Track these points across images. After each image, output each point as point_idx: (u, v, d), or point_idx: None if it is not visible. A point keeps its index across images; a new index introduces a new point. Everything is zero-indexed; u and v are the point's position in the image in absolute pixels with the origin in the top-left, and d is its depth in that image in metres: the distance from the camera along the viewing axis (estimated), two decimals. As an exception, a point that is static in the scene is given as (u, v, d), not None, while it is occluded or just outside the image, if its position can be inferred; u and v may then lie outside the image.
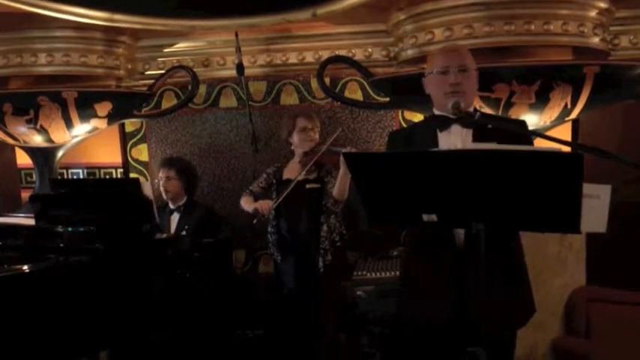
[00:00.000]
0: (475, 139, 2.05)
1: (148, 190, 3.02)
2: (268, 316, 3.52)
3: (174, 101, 4.13)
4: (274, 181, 3.37)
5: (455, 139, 2.10)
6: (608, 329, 3.12)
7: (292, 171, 3.29)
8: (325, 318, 3.24)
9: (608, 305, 3.19)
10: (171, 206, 3.66)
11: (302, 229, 3.23)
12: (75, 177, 4.42)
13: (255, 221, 3.14)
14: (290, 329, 3.32)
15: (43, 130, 3.74)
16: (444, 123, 2.13)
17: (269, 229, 3.36)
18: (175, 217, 3.64)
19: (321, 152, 3.06)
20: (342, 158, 2.82)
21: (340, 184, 3.03)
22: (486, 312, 1.86)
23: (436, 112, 2.21)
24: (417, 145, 2.16)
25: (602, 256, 3.23)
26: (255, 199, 3.34)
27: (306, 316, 3.24)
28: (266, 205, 3.15)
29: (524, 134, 2.08)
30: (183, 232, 3.49)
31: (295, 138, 3.28)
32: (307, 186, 3.20)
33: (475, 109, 2.20)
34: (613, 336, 3.08)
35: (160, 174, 3.68)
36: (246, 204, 3.31)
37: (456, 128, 2.11)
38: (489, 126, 2.05)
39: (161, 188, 3.63)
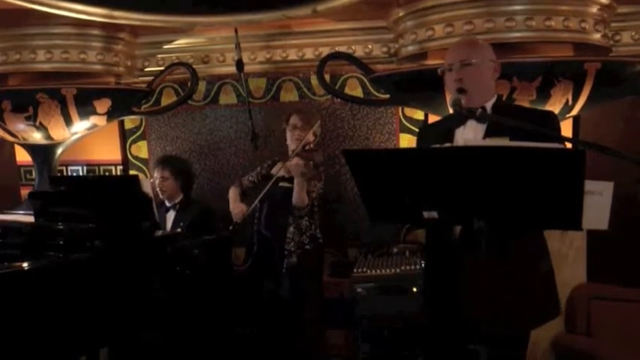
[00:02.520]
0: (489, 134, 2.02)
1: (147, 187, 3.01)
2: (258, 313, 3.52)
3: (174, 98, 4.12)
4: (261, 177, 3.39)
5: (468, 134, 2.07)
6: (609, 326, 3.12)
7: (278, 168, 3.30)
8: (302, 316, 3.25)
9: (609, 302, 3.19)
10: (167, 204, 3.66)
11: (274, 228, 3.24)
12: (74, 174, 4.41)
13: (230, 227, 3.23)
14: (272, 326, 3.33)
15: (42, 127, 3.73)
16: (461, 118, 2.11)
17: (254, 220, 3.36)
18: (171, 215, 3.63)
19: (292, 157, 3.07)
20: (292, 169, 2.97)
21: (297, 193, 3.07)
22: (488, 310, 1.86)
23: None
24: (433, 140, 2.13)
25: (602, 253, 3.23)
26: (243, 192, 3.38)
27: (281, 313, 3.26)
28: (238, 212, 3.22)
29: (540, 129, 2.01)
30: (178, 230, 3.48)
31: (287, 135, 3.29)
32: (280, 184, 3.19)
33: (499, 97, 2.17)
34: (614, 333, 3.08)
35: (155, 174, 3.67)
36: (230, 198, 3.35)
37: (471, 123, 2.08)
38: (497, 120, 2.01)
39: (157, 188, 3.62)
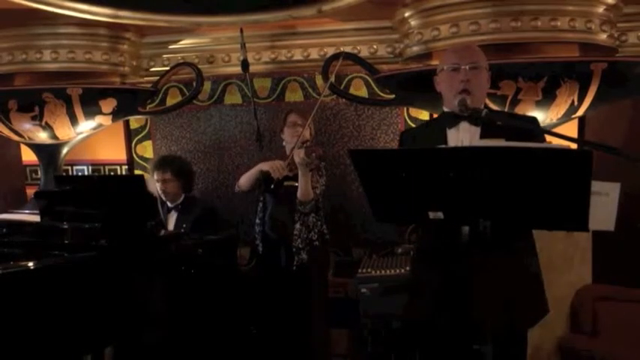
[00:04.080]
0: (483, 137, 2.03)
1: (152, 186, 3.01)
2: (262, 312, 3.52)
3: (179, 98, 4.13)
4: (261, 176, 3.37)
5: (463, 136, 2.09)
6: (615, 327, 3.12)
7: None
8: (308, 314, 3.24)
9: (615, 303, 3.19)
10: (169, 205, 3.62)
11: (280, 226, 3.23)
12: (79, 173, 4.43)
13: (272, 186, 3.12)
14: (278, 325, 3.32)
15: (47, 127, 3.74)
16: (453, 120, 2.12)
17: (256, 220, 3.36)
18: (173, 216, 3.60)
19: (290, 152, 3.06)
20: (296, 159, 2.95)
21: (301, 186, 3.07)
22: (491, 310, 1.86)
23: (445, 109, 2.21)
24: (425, 142, 2.14)
25: (608, 254, 3.22)
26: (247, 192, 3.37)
27: (288, 312, 3.25)
28: (279, 165, 3.10)
29: (533, 132, 2.04)
30: (182, 230, 3.48)
31: (286, 133, 3.30)
32: (285, 183, 3.18)
33: (486, 107, 2.19)
34: (619, 334, 3.08)
35: (156, 176, 3.60)
36: (251, 171, 3.28)
37: (464, 125, 2.10)
38: (498, 123, 2.03)
39: (159, 190, 3.57)
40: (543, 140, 2.01)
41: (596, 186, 1.53)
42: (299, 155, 2.97)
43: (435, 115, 3.63)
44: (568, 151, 1.55)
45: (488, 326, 1.83)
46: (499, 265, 1.81)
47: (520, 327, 2.11)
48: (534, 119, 2.22)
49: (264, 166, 3.20)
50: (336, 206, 3.82)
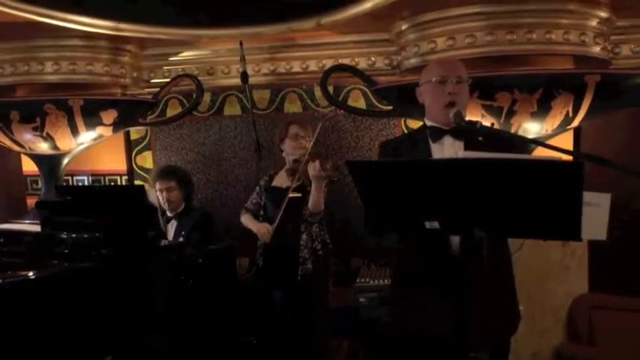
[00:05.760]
0: (467, 150, 2.07)
1: (152, 197, 3.03)
2: (262, 322, 3.54)
3: (179, 109, 4.17)
4: (263, 190, 3.40)
5: (447, 150, 2.13)
6: (611, 336, 3.13)
7: (281, 179, 3.32)
8: (310, 324, 3.25)
9: (611, 312, 3.21)
10: (169, 214, 3.65)
11: (284, 237, 3.23)
12: (80, 184, 4.45)
13: (259, 252, 3.29)
14: (278, 335, 3.33)
15: (49, 138, 3.77)
16: (437, 134, 2.16)
17: None
18: (173, 225, 3.63)
19: (304, 161, 3.07)
20: (310, 171, 2.95)
21: (314, 197, 3.07)
22: (485, 319, 1.89)
23: (428, 122, 2.22)
24: (409, 155, 2.17)
25: (604, 262, 3.24)
26: (254, 216, 3.40)
27: (290, 322, 3.26)
28: (265, 232, 3.21)
29: (516, 146, 2.10)
30: (181, 239, 3.50)
31: (287, 145, 3.31)
32: (289, 195, 3.18)
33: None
34: (616, 342, 3.09)
35: (159, 185, 3.61)
36: (248, 222, 3.38)
37: (448, 140, 2.14)
38: (480, 138, 2.07)
39: (162, 200, 3.58)
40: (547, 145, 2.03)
41: (587, 197, 1.56)
42: (314, 168, 2.95)
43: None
44: (560, 162, 1.58)
45: (483, 335, 1.86)
46: (488, 274, 1.84)
47: (507, 335, 2.18)
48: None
49: (253, 227, 3.30)
50: (335, 216, 3.83)
